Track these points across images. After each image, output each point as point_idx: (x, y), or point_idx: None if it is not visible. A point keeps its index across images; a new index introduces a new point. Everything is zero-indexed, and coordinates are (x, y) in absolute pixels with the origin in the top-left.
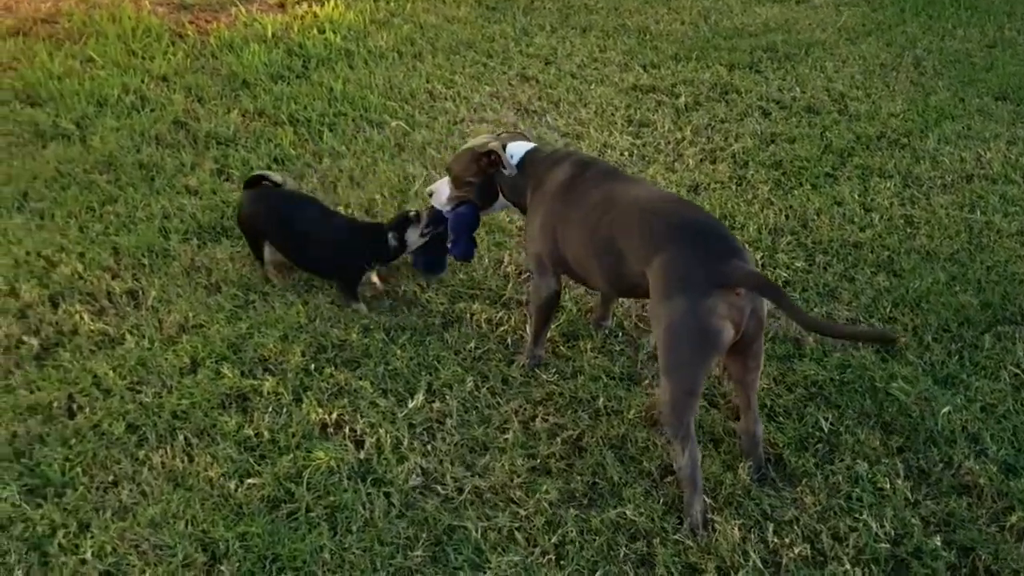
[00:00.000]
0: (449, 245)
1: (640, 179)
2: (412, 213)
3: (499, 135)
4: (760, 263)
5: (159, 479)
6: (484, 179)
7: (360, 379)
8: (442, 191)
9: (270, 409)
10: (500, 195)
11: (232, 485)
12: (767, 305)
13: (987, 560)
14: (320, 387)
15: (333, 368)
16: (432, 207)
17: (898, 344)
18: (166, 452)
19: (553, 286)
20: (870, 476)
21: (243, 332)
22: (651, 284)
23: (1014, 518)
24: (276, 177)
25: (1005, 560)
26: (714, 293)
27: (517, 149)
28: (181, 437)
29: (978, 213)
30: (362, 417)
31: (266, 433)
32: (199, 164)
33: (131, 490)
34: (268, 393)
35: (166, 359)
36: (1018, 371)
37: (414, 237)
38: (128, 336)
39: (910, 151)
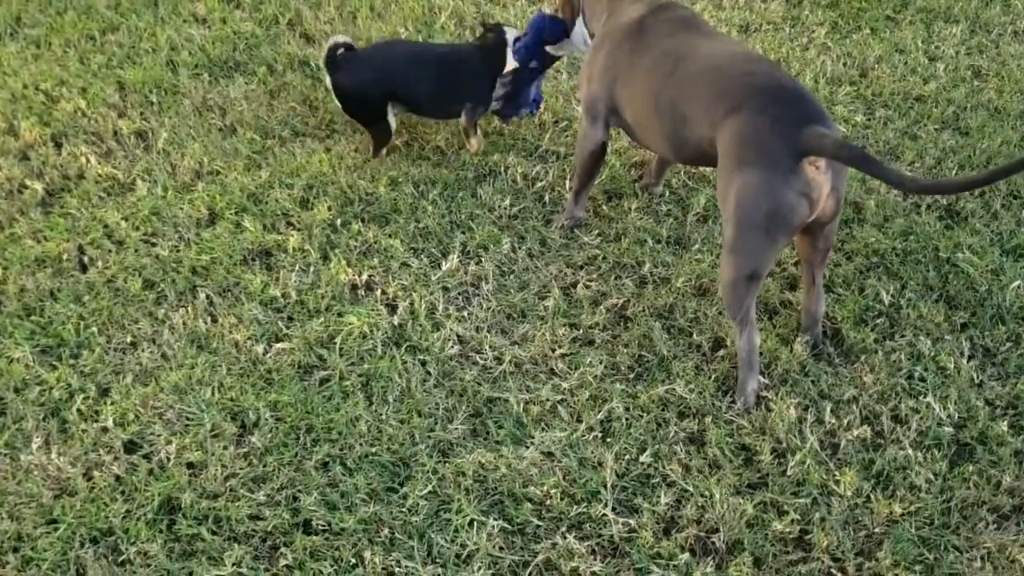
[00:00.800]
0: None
1: (719, 33)
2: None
3: None
4: None
5: (181, 341)
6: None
7: (390, 237)
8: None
9: (296, 267)
10: (582, 16)
11: (260, 349)
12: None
13: None
14: (348, 244)
15: (361, 224)
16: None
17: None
18: (187, 311)
19: (601, 136)
20: (933, 354)
21: (263, 181)
22: (720, 152)
23: None
24: (343, 39)
25: None
26: (792, 166)
27: None
28: (203, 295)
29: None
30: (394, 279)
31: (293, 294)
32: None
33: (152, 352)
34: (293, 250)
35: (182, 209)
36: None
37: (509, 61)
38: (139, 182)
39: None
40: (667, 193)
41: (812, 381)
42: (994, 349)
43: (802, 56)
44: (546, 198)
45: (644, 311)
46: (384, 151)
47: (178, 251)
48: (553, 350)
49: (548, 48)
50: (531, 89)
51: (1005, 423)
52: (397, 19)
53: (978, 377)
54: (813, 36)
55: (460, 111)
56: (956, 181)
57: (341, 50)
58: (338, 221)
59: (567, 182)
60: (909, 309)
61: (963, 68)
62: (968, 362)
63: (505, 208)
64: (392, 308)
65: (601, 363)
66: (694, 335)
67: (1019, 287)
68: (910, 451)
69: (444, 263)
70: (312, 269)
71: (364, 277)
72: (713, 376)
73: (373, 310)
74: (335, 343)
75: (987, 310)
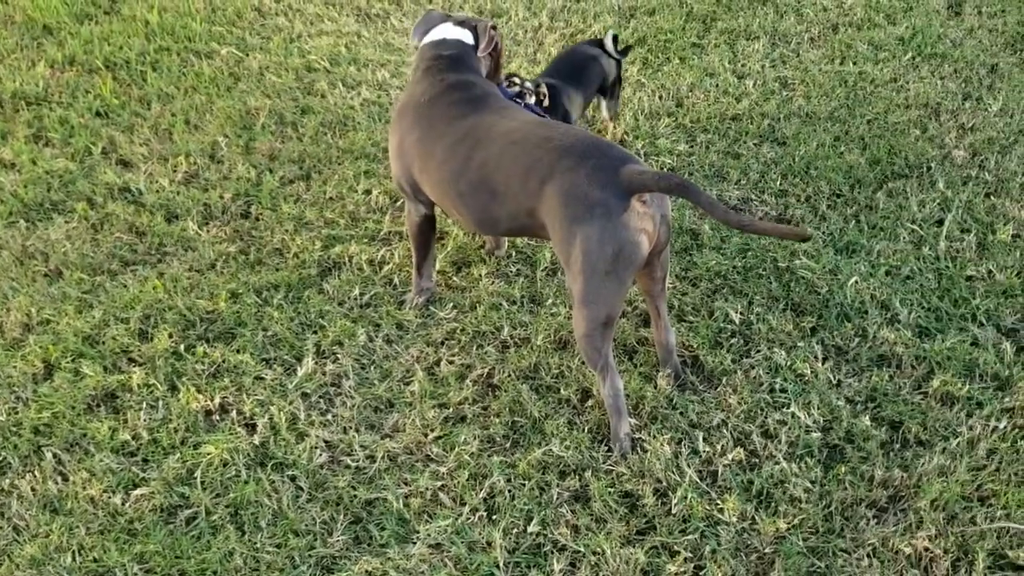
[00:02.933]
0: None
1: (510, 105)
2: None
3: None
4: (643, 152)
5: (32, 509)
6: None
7: (238, 352)
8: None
9: (144, 405)
10: None
11: (117, 500)
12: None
13: (916, 431)
14: (195, 370)
15: (206, 345)
16: None
17: (808, 239)
18: (35, 476)
19: (423, 210)
20: (789, 363)
21: (97, 321)
22: (549, 219)
23: (935, 382)
24: None
25: (933, 427)
26: (623, 207)
27: (439, 30)
28: (49, 455)
29: (850, 64)
30: (248, 396)
31: (144, 434)
32: (11, 131)
33: (1, 529)
34: (139, 387)
35: (14, 367)
36: (915, 227)
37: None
38: None
39: (772, 6)
40: (513, 254)
41: (680, 413)
42: (844, 347)
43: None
44: (395, 280)
45: (510, 376)
46: None
47: (16, 413)
48: (426, 435)
49: None
50: None
51: (867, 417)
52: (214, 127)
53: (835, 377)
54: (627, 75)
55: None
56: (760, 225)
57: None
58: (181, 347)
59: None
60: (759, 324)
61: (771, 81)
62: (823, 364)
63: (355, 299)
64: (251, 427)
65: (476, 439)
66: (561, 390)
67: (856, 283)
68: (785, 464)
69: (299, 368)
70: (161, 403)
71: (217, 400)
72: (586, 428)
73: (231, 433)
74: (195, 478)
75: (831, 310)
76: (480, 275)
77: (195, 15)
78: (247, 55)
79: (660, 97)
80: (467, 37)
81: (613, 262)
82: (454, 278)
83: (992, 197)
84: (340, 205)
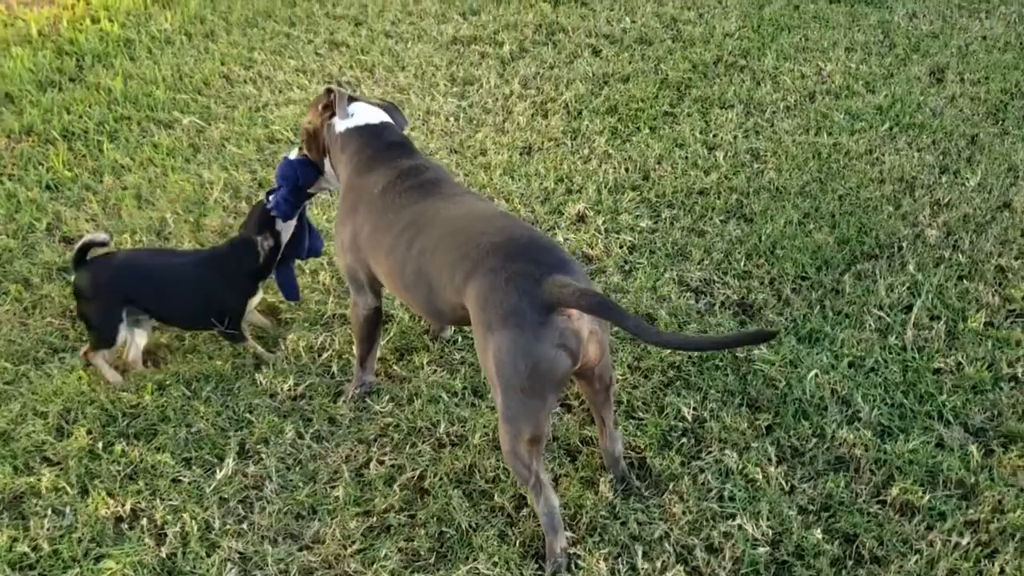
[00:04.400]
0: (268, 199)
1: (464, 192)
2: (270, 198)
3: (372, 99)
4: (603, 228)
5: None
6: (318, 127)
7: (158, 451)
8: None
9: (50, 511)
10: (327, 157)
11: None
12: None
13: (871, 546)
14: (110, 471)
15: (125, 442)
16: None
17: (774, 338)
18: None
19: (371, 303)
20: (741, 467)
21: (14, 416)
22: (471, 317)
23: (894, 490)
24: (101, 236)
25: (890, 542)
26: (539, 320)
27: (361, 111)
28: None
29: (824, 135)
30: (162, 501)
31: (45, 545)
32: None
33: None
34: (48, 490)
35: None
36: (882, 313)
37: (287, 226)
38: None
39: (749, 73)
40: (459, 339)
41: (622, 523)
42: (800, 447)
43: (584, 169)
44: (334, 369)
45: (442, 479)
46: (100, 359)
47: None
48: (345, 547)
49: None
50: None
51: (819, 529)
52: (164, 203)
53: (788, 482)
54: (594, 146)
55: (212, 324)
56: (692, 339)
57: (97, 249)
58: (99, 444)
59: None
60: (712, 421)
61: (742, 152)
62: (776, 468)
63: (288, 390)
64: (160, 537)
65: (398, 552)
66: (495, 496)
67: (816, 376)
68: None
69: (219, 470)
70: (69, 509)
71: (128, 506)
72: (519, 541)
73: (138, 545)
74: None
75: (789, 407)
76: (423, 363)
77: (160, 83)
78: (209, 124)
79: (626, 169)
80: (386, 117)
81: (529, 378)
82: (395, 367)
83: (965, 280)
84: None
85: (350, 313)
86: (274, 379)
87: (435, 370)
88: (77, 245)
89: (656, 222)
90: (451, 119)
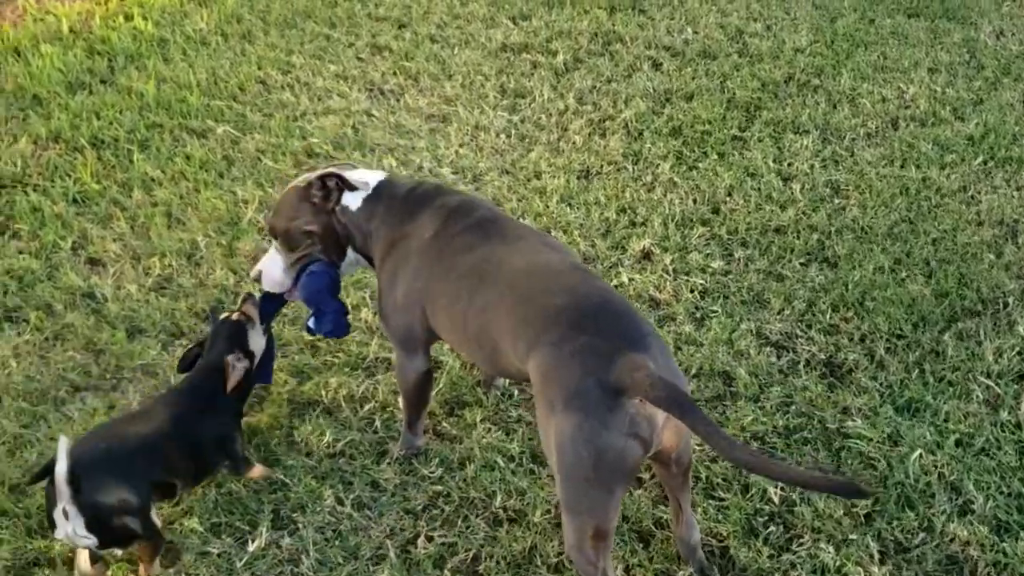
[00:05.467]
0: (312, 324)
1: (525, 232)
2: (234, 313)
3: (326, 168)
4: (671, 268)
5: None
6: (325, 223)
7: (186, 516)
8: (272, 267)
9: None
10: (350, 246)
11: None
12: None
13: None
14: None
15: None
16: (251, 296)
17: (869, 496)
18: None
19: (422, 366)
20: (839, 565)
21: (31, 465)
22: (534, 390)
23: None
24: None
25: None
26: (608, 405)
27: (363, 178)
28: None
29: (912, 168)
30: None
31: None
32: None
33: None
34: (61, 560)
35: None
36: (989, 382)
37: (258, 341)
38: None
39: (824, 94)
40: (515, 393)
41: None
42: (906, 542)
43: (648, 199)
44: (377, 423)
45: (499, 563)
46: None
47: None
48: None
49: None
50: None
51: None
52: (197, 224)
53: None
54: (657, 172)
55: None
56: (776, 467)
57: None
58: None
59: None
60: (803, 506)
61: (820, 185)
62: (880, 567)
63: (327, 447)
64: None
65: None
66: None
67: (920, 457)
68: None
69: (251, 541)
70: None
71: None
72: None
73: None
74: None
75: (890, 492)
76: (475, 420)
77: (194, 87)
78: (244, 135)
79: (694, 200)
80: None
81: (594, 468)
82: (444, 423)
83: None
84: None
85: (397, 376)
86: (311, 434)
87: (489, 428)
88: (62, 463)
89: (729, 263)
90: (502, 136)
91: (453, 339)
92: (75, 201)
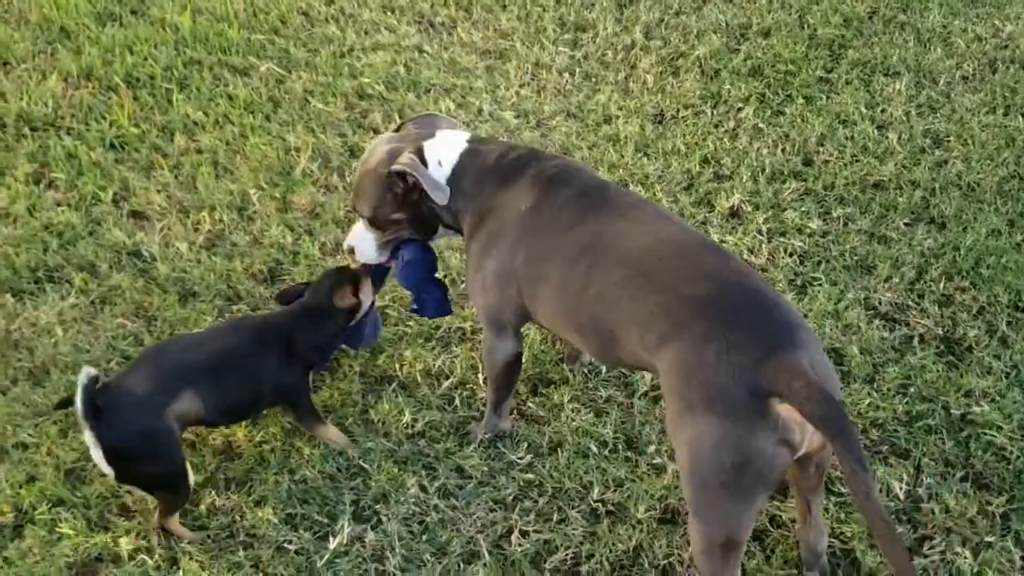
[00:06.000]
0: (415, 307)
1: (638, 202)
2: (334, 274)
3: (405, 130)
4: (765, 228)
5: None
6: (412, 210)
7: (258, 505)
8: (364, 242)
9: None
10: (440, 224)
11: None
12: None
13: None
14: (202, 527)
15: (217, 494)
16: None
17: None
18: None
19: (512, 348)
20: (976, 572)
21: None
22: (663, 386)
23: None
24: (91, 373)
25: None
26: (756, 408)
27: (444, 153)
28: None
29: (1017, 117)
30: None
31: None
32: (11, 165)
33: None
34: (129, 555)
35: None
36: None
37: (366, 300)
38: None
39: (913, 32)
40: (602, 370)
41: None
42: None
43: (732, 147)
44: (456, 401)
45: (601, 564)
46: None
47: None
48: None
49: None
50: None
51: None
52: (245, 172)
53: None
54: (740, 117)
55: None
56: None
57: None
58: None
59: (481, 374)
60: (932, 502)
61: (919, 135)
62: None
63: (404, 428)
64: None
65: None
66: None
67: None
68: None
69: (332, 536)
70: None
71: None
72: None
73: None
74: None
75: None
76: (563, 400)
77: (233, 20)
78: (289, 72)
79: (783, 150)
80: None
81: (735, 475)
82: (529, 403)
83: None
84: (391, 287)
85: (484, 356)
86: (389, 413)
87: (578, 410)
88: (79, 397)
89: (827, 222)
90: (565, 74)
91: (556, 324)
92: (113, 147)
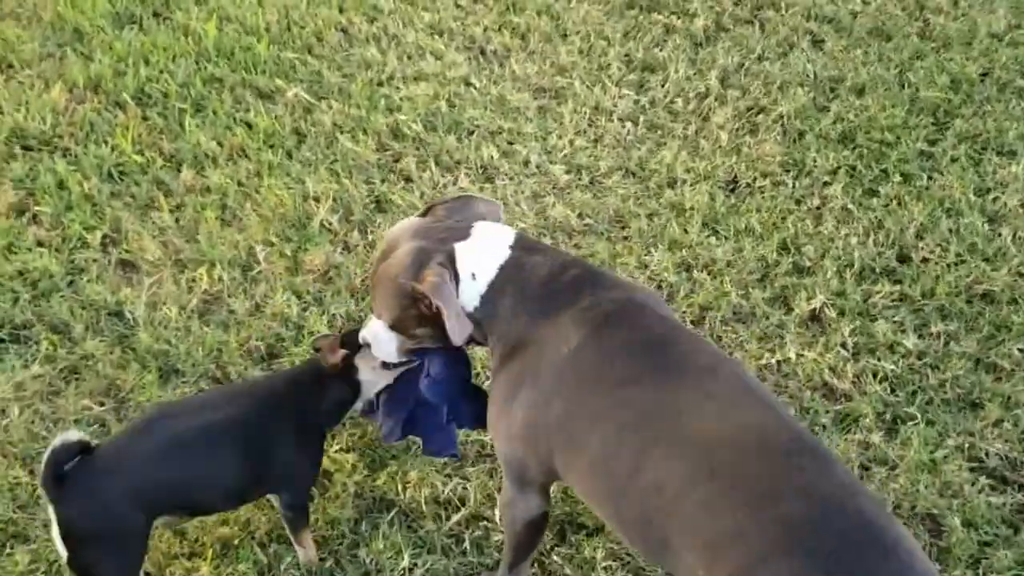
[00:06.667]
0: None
1: (713, 361)
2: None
3: (435, 216)
4: (851, 343)
5: None
6: (439, 323)
7: None
8: (383, 342)
9: None
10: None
11: None
12: None
13: None
14: None
15: None
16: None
17: None
18: None
19: (536, 507)
20: None
21: (23, 570)
22: None
23: None
24: (78, 436)
25: None
26: None
27: (482, 264)
28: None
29: None
30: None
31: None
32: None
33: None
34: None
35: None
36: None
37: (369, 372)
38: None
39: None
40: None
41: None
42: None
43: (815, 231)
44: (466, 541)
45: None
46: None
47: None
48: None
49: None
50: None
51: None
52: (256, 223)
53: None
54: (826, 194)
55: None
56: None
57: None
58: None
59: (497, 511)
60: None
61: None
62: None
63: (401, 573)
64: None
65: None
66: None
67: None
68: None
69: None
70: None
71: None
72: None
73: None
74: None
75: None
76: (594, 554)
77: (263, 34)
78: (319, 101)
79: (875, 242)
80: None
81: None
82: (554, 556)
83: None
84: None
85: (500, 509)
86: (382, 554)
87: (612, 570)
88: (48, 453)
89: (925, 339)
90: (627, 123)
91: (595, 504)
92: (110, 176)
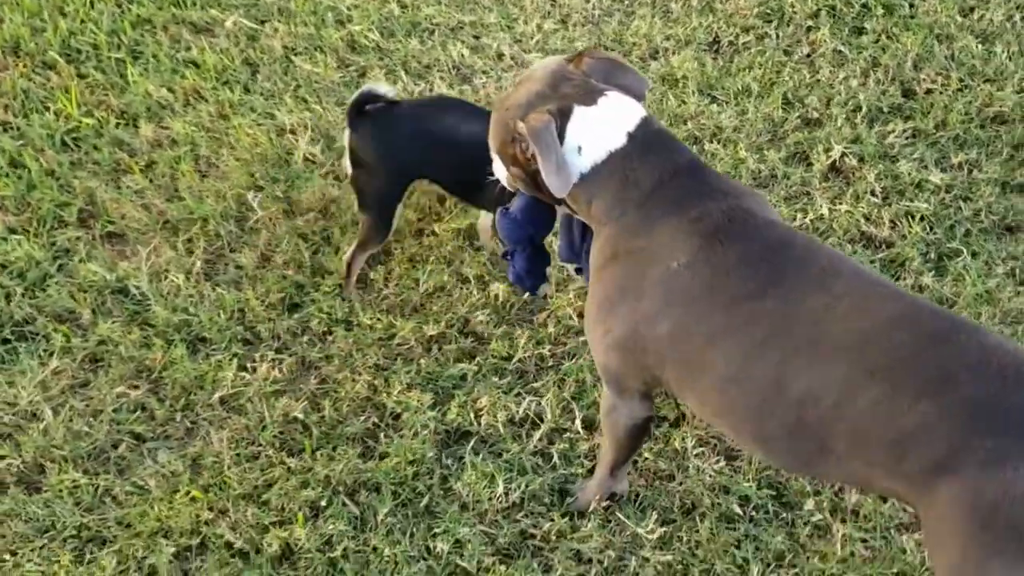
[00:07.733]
0: (509, 260)
1: (832, 260)
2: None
3: (580, 65)
4: (879, 187)
5: None
6: (532, 177)
7: None
8: (496, 159)
9: None
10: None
11: None
12: None
13: None
14: None
15: None
16: None
17: None
18: None
19: (641, 413)
20: None
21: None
22: (933, 530)
23: None
24: (386, 90)
25: None
26: None
27: (594, 138)
28: None
29: None
30: None
31: None
32: None
33: None
34: None
35: None
36: None
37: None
38: None
39: None
40: None
41: None
42: None
43: (812, 80)
44: (554, 455)
45: None
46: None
47: None
48: None
49: None
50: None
51: None
52: (236, 168)
53: None
54: (814, 39)
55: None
56: None
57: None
58: None
59: (577, 421)
60: None
61: None
62: None
63: (498, 500)
64: None
65: None
66: None
67: None
68: None
69: None
70: None
71: None
72: None
73: None
74: None
75: None
76: (685, 445)
77: None
78: (262, 24)
79: (877, 81)
80: (635, 105)
81: None
82: (646, 453)
83: None
84: (444, 301)
85: (602, 415)
86: (476, 484)
87: (706, 456)
88: (356, 94)
89: (948, 171)
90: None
91: (723, 426)
92: (65, 145)
